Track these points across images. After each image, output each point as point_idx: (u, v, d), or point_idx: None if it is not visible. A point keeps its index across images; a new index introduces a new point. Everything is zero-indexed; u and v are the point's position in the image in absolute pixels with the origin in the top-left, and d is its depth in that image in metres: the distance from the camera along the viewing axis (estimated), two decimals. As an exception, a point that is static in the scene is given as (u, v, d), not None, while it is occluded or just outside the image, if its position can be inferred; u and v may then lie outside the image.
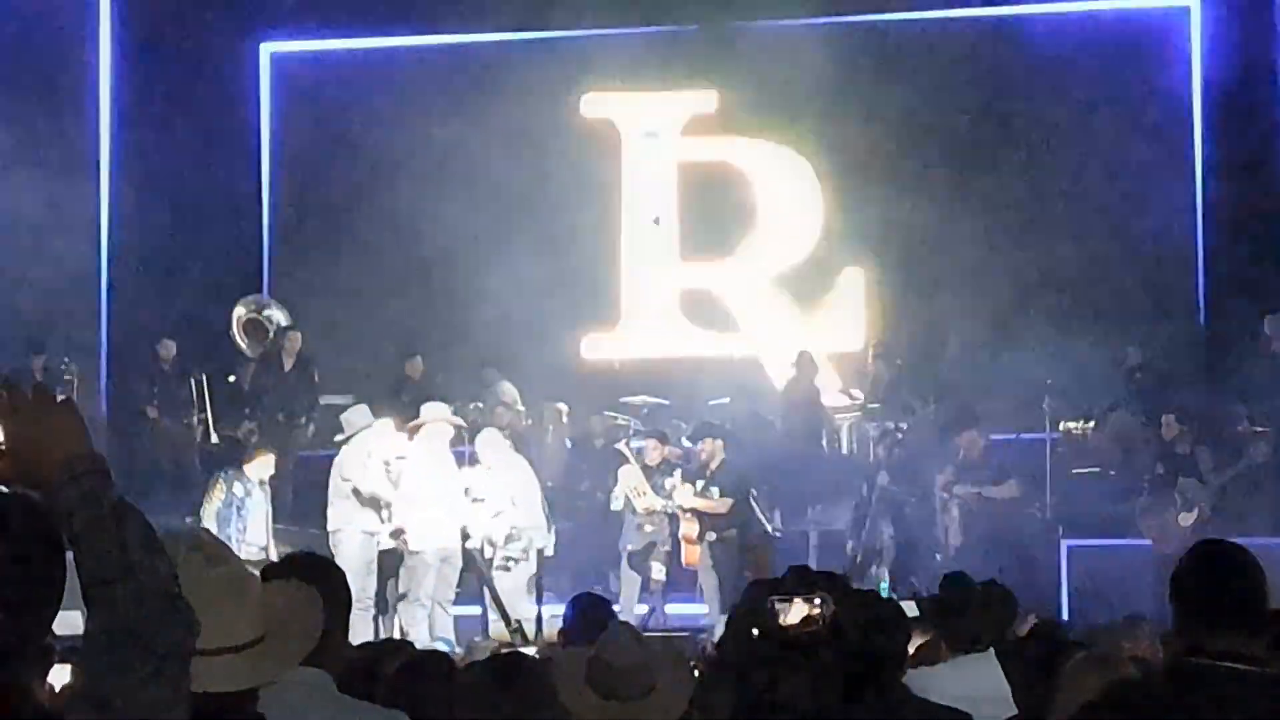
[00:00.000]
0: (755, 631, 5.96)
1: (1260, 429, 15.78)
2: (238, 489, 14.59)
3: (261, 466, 14.80)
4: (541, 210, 18.36)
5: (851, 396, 17.51)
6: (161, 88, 18.75)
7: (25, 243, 16.38)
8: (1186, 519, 14.71)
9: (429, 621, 13.89)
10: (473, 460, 14.91)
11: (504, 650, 9.05)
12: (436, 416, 14.59)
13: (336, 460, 14.44)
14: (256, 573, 3.61)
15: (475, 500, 14.36)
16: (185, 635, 2.57)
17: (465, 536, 14.23)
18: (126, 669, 2.49)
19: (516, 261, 17.55)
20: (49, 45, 18.07)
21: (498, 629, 14.03)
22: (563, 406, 17.95)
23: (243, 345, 18.39)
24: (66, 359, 16.99)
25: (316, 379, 17.81)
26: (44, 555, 2.57)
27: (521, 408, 17.72)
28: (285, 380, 17.73)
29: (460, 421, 15.24)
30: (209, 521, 13.84)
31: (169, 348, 17.74)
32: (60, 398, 2.71)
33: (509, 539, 14.47)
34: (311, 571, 3.98)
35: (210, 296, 18.45)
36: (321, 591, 3.64)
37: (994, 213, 17.61)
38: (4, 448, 2.62)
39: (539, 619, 13.81)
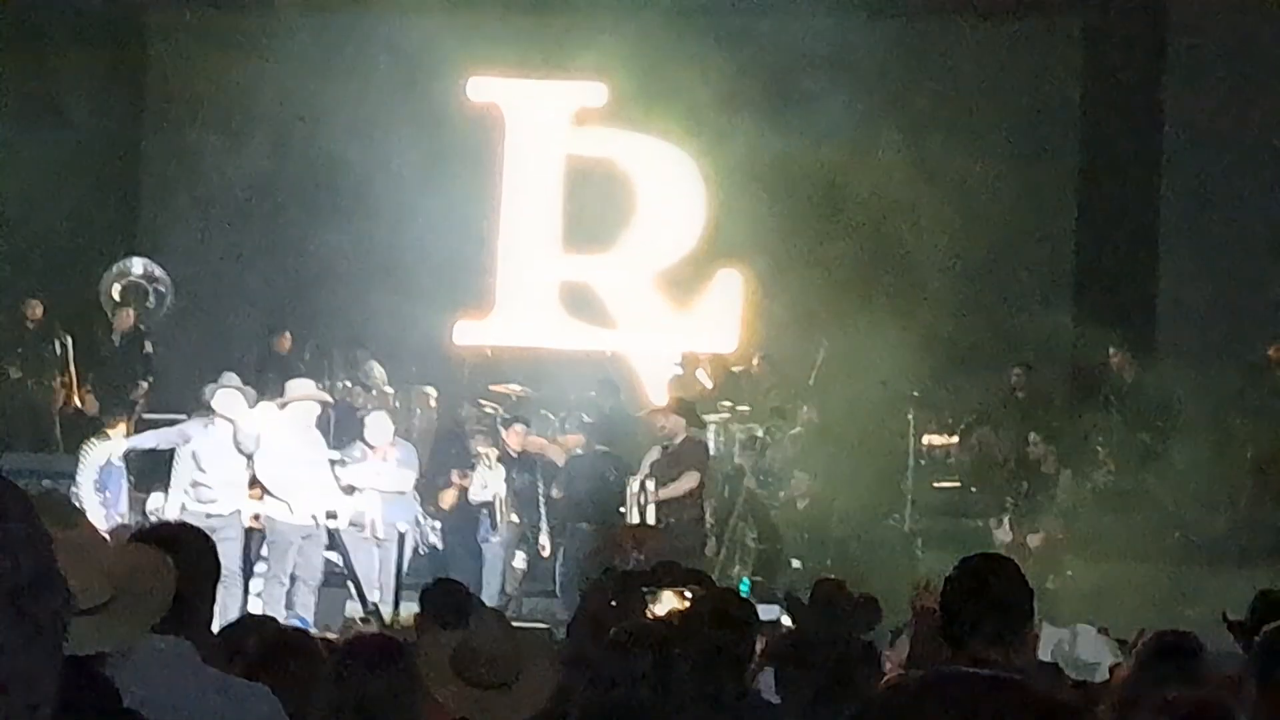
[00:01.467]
0: (605, 624, 5.98)
1: (1108, 460, 15.99)
2: (99, 456, 14.42)
3: (120, 435, 14.62)
4: (419, 190, 18.18)
5: (721, 400, 17.54)
6: (44, 51, 18.46)
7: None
8: (1003, 535, 14.94)
9: (287, 599, 13.78)
10: (350, 441, 14.80)
11: (365, 632, 8.99)
12: (304, 394, 14.44)
13: (194, 434, 14.18)
14: (107, 538, 3.57)
15: (351, 482, 14.27)
16: (62, 605, 2.56)
17: (331, 515, 14.11)
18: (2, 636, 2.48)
19: (391, 242, 17.42)
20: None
21: (353, 610, 13.95)
22: (431, 391, 17.86)
23: (109, 309, 18.09)
24: None
25: (148, 350, 17.54)
26: None
27: (389, 389, 17.60)
28: (116, 353, 17.53)
29: (327, 398, 15.09)
30: (84, 490, 13.73)
31: (35, 307, 17.47)
32: None
33: (375, 523, 14.39)
34: (171, 540, 3.93)
35: (81, 257, 18.17)
36: (180, 559, 3.60)
37: (875, 221, 17.72)
38: None
39: (396, 603, 13.74)
